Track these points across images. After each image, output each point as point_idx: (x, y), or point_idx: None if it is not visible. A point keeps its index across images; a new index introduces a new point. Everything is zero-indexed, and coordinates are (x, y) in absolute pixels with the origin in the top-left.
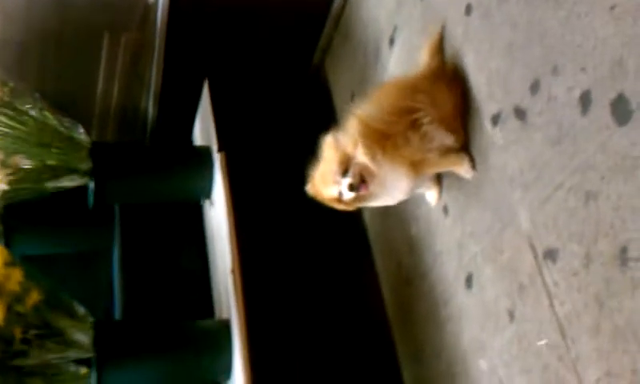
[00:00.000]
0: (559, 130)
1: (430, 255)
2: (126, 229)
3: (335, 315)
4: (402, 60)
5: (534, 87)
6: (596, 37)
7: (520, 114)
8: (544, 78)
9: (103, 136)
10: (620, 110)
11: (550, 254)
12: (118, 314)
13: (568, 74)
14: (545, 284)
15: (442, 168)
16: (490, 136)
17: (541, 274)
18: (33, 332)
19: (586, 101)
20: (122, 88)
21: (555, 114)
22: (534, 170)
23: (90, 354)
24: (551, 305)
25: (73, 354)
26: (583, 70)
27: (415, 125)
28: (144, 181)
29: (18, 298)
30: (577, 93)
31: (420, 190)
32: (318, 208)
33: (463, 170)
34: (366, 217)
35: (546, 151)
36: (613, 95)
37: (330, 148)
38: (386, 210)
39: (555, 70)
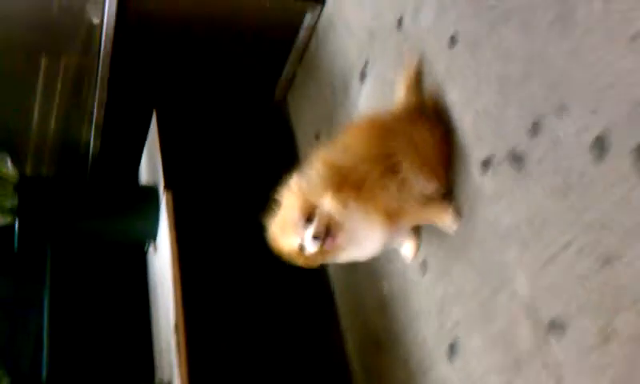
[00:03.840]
0: (566, 181)
1: (405, 317)
2: (57, 274)
3: (295, 380)
4: (374, 97)
5: (534, 129)
6: (612, 73)
7: (516, 159)
8: (546, 119)
9: (39, 170)
10: None
11: (556, 327)
12: (45, 370)
13: (577, 115)
14: (549, 363)
15: (422, 220)
16: (479, 185)
17: (543, 349)
18: None
19: (600, 147)
20: (61, 117)
21: (561, 162)
22: (534, 226)
23: None
24: None
25: None
26: (595, 111)
27: (392, 170)
28: (79, 221)
29: None
30: (589, 137)
31: (394, 244)
32: (276, 259)
33: (446, 222)
34: (330, 270)
35: (549, 205)
36: (634, 141)
37: (292, 193)
38: (353, 264)
39: (561, 110)
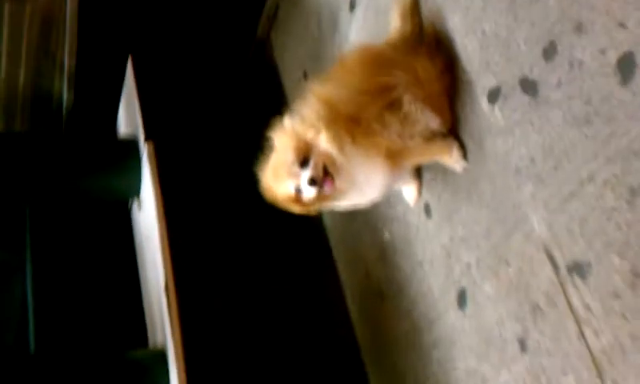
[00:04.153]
0: (587, 106)
1: (408, 265)
2: (38, 237)
3: (292, 337)
4: (366, 27)
5: (549, 52)
6: None
7: (529, 86)
8: (563, 39)
9: (11, 126)
10: None
11: (578, 268)
12: (32, 337)
13: (599, 33)
14: (571, 307)
15: (426, 158)
16: (487, 116)
17: (564, 293)
18: None
19: (626, 66)
20: (31, 68)
21: (581, 86)
22: (551, 159)
23: None
24: (581, 334)
25: None
26: (619, 28)
27: (393, 105)
28: (57, 178)
29: None
30: (613, 56)
31: (395, 187)
32: (267, 209)
33: (452, 159)
34: (327, 219)
35: (568, 134)
36: None
37: (285, 134)
38: (351, 212)
39: (579, 28)
